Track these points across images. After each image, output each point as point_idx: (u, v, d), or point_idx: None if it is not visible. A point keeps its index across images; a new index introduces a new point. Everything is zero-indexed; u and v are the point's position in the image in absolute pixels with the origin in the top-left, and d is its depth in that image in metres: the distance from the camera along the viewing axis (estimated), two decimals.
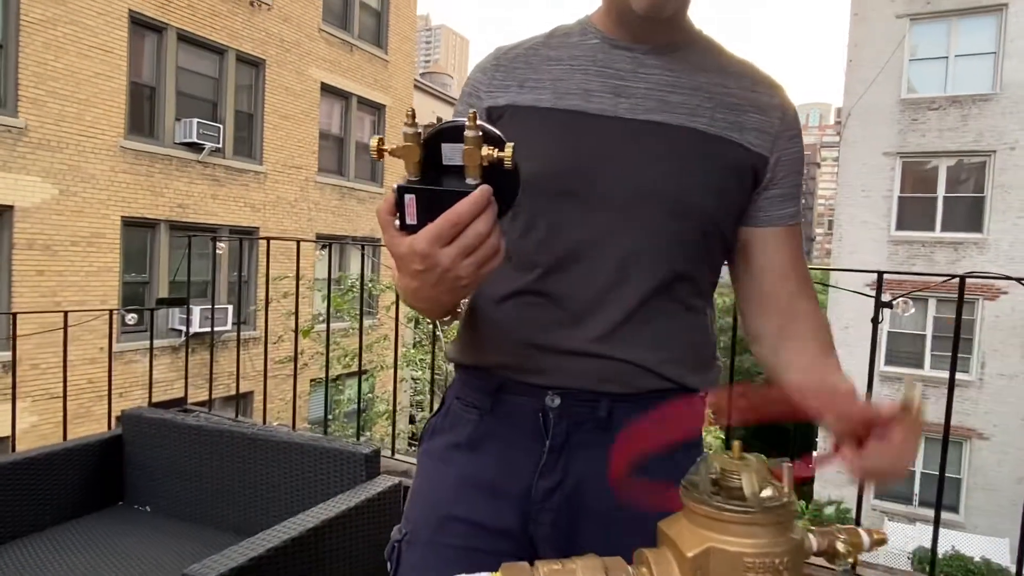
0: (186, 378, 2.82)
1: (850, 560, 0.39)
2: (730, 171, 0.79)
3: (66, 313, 2.33)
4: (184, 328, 9.25)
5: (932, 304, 12.17)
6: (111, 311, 2.95)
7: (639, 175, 0.77)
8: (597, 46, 0.82)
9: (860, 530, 0.41)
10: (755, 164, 0.80)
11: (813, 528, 0.39)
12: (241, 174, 10.36)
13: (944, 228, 12.10)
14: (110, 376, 2.77)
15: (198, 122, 9.33)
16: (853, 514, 9.97)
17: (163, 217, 9.24)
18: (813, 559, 0.40)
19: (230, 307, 9.78)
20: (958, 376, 11.74)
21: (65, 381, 2.56)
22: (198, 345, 8.62)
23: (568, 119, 0.78)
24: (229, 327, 9.35)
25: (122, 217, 8.72)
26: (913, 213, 12.36)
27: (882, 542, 0.42)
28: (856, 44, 12.77)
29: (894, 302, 1.58)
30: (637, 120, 0.77)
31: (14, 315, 2.43)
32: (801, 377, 0.78)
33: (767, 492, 0.37)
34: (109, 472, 2.23)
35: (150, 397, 2.76)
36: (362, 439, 2.75)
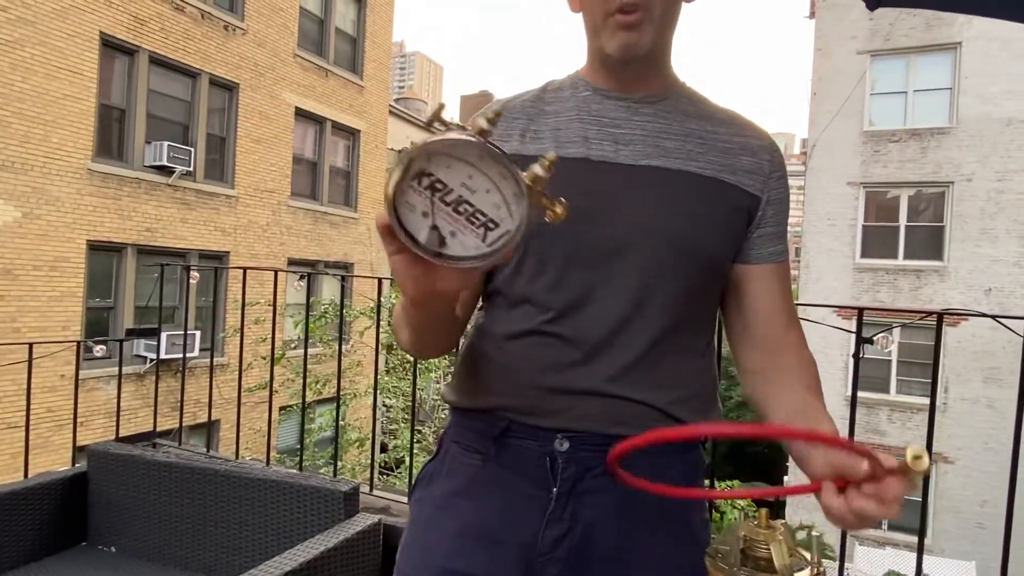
0: (155, 410, 2.73)
1: None
2: (729, 211, 0.82)
3: (31, 345, 2.24)
4: (148, 355, 9.01)
5: (897, 331, 12.46)
6: (78, 342, 2.85)
7: (645, 218, 0.79)
8: (590, 97, 0.84)
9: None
10: (749, 204, 0.83)
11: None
12: (212, 198, 10.21)
13: (907, 256, 12.45)
14: (75, 410, 2.67)
15: (169, 145, 9.20)
16: (825, 539, 10.04)
17: (130, 241, 9.05)
18: None
19: (198, 333, 9.57)
20: (923, 401, 11.98)
21: (28, 414, 2.46)
22: (164, 372, 8.40)
23: (573, 166, 0.79)
24: (197, 353, 9.13)
25: (88, 241, 8.51)
26: (877, 241, 12.71)
27: None
28: (820, 78, 13.21)
29: (875, 337, 1.61)
30: (638, 166, 0.80)
31: (30, 345, 2.33)
32: (788, 419, 0.78)
33: (796, 564, 0.36)
34: (72, 511, 2.14)
35: (117, 430, 2.66)
36: (339, 474, 2.67)
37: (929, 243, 12.30)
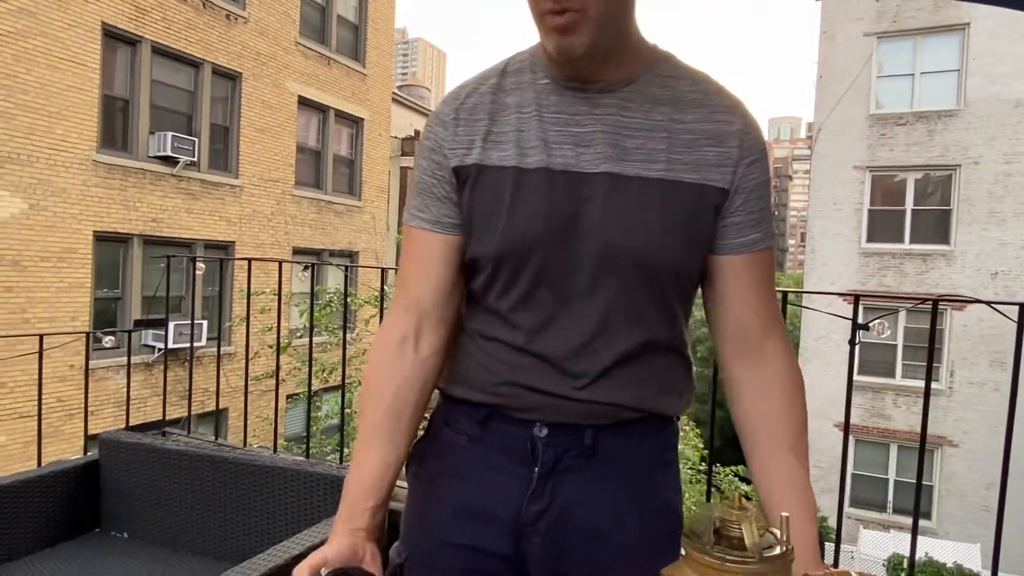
0: (164, 398, 2.78)
1: None
2: (691, 215, 0.79)
3: (41, 337, 2.28)
4: (156, 344, 9.09)
5: (902, 315, 12.44)
6: (88, 333, 2.90)
7: (606, 234, 0.78)
8: (550, 87, 0.82)
9: (852, 572, 0.43)
10: (716, 200, 0.80)
11: (809, 574, 0.41)
12: (216, 188, 10.24)
13: (913, 240, 12.40)
14: (86, 400, 2.72)
15: (172, 135, 9.22)
16: (830, 523, 10.12)
17: (136, 232, 9.10)
18: None
19: (204, 323, 9.64)
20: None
21: (40, 404, 2.51)
22: (172, 361, 8.47)
23: (534, 180, 0.79)
24: (204, 343, 9.21)
25: (94, 232, 8.56)
26: (883, 225, 12.66)
27: None
28: (826, 61, 13.10)
29: (870, 324, 1.63)
30: (599, 174, 0.78)
31: (41, 336, 2.37)
32: (764, 485, 0.78)
33: (766, 541, 0.39)
34: (85, 498, 2.18)
35: (127, 419, 2.71)
36: (344, 461, 2.72)
37: (936, 227, 12.24)
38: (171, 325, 9.08)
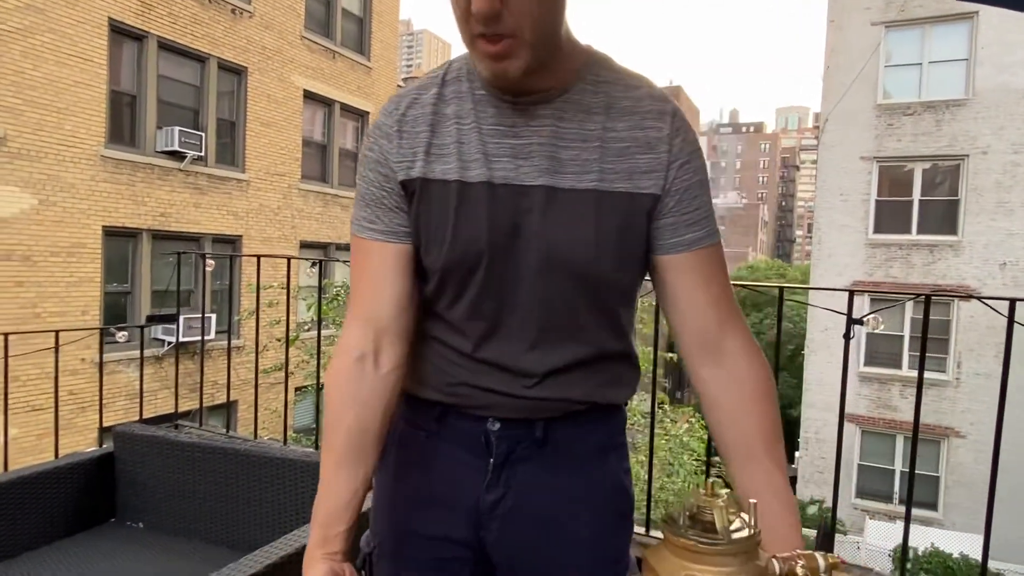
0: (176, 392, 2.83)
1: None
2: (625, 224, 0.80)
3: (57, 333, 2.35)
4: (167, 338, 9.18)
5: (909, 306, 12.40)
6: (101, 329, 2.96)
7: (545, 245, 0.80)
8: (486, 99, 0.82)
9: (817, 555, 0.47)
10: (648, 205, 0.81)
11: (776, 555, 0.45)
12: (224, 182, 10.31)
13: (920, 231, 12.34)
14: (101, 394, 2.78)
15: (180, 130, 9.28)
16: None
17: (145, 226, 9.18)
18: None
19: (213, 316, 9.73)
20: (936, 376, 11.93)
21: (57, 398, 2.57)
22: (181, 355, 8.57)
23: (476, 194, 0.80)
24: (213, 336, 9.30)
25: (103, 227, 8.65)
26: (890, 216, 12.61)
27: (836, 566, 0.47)
28: (833, 50, 13.01)
29: (865, 318, 1.65)
30: (536, 187, 0.79)
31: (6, 335, 2.43)
32: (742, 490, 0.79)
33: (736, 525, 0.42)
34: (101, 489, 2.24)
35: (141, 412, 2.77)
36: None
37: (943, 217, 12.18)
38: (181, 319, 9.20)
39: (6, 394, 2.44)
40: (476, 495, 0.87)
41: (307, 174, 11.87)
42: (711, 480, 0.44)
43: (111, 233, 8.79)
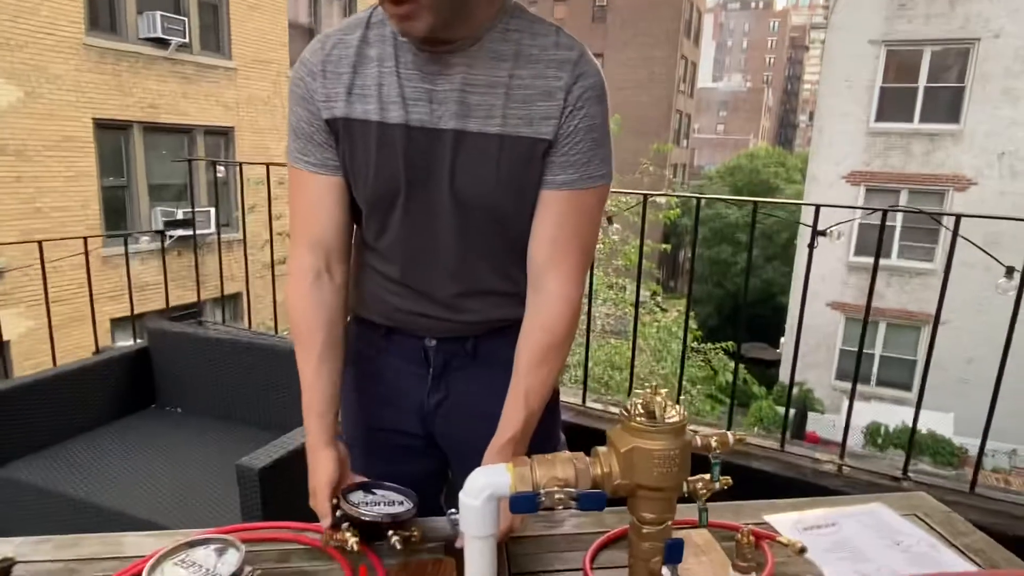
0: (198, 287, 3.02)
1: (719, 451, 0.63)
2: (524, 167, 0.88)
3: (85, 239, 2.50)
4: (169, 232, 9.28)
5: (904, 196, 12.47)
6: (125, 235, 3.12)
7: (455, 185, 0.88)
8: (406, 44, 0.87)
9: (728, 433, 0.65)
10: (543, 149, 0.87)
11: (697, 432, 0.63)
12: (211, 70, 9.99)
13: (923, 119, 12.16)
14: (131, 294, 2.97)
15: (161, 15, 8.89)
16: (815, 394, 10.70)
17: (135, 118, 9.02)
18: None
19: (212, 210, 9.79)
20: (923, 265, 12.17)
21: (92, 301, 2.76)
22: (184, 248, 8.72)
23: (395, 135, 0.87)
24: (212, 229, 9.41)
25: (93, 119, 8.51)
26: (893, 104, 12.37)
27: (740, 441, 0.65)
28: None
29: (828, 231, 1.80)
30: (449, 130, 0.86)
31: (40, 242, 2.58)
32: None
33: (670, 413, 0.60)
34: (140, 380, 2.49)
35: (167, 305, 2.98)
36: None
37: (947, 105, 11.95)
38: (179, 212, 9.26)
39: (47, 299, 2.63)
40: (421, 398, 1.02)
41: (295, 60, 11.46)
42: (655, 383, 0.61)
43: (102, 126, 8.66)
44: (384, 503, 0.90)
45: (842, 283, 12.73)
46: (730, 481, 0.65)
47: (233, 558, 0.81)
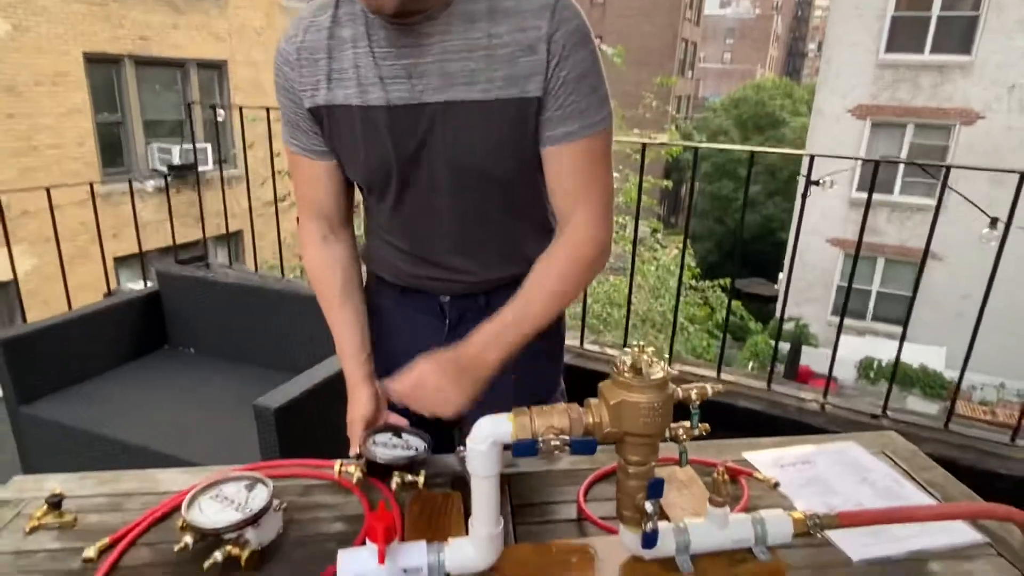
0: (203, 227, 3.06)
1: (697, 403, 0.70)
2: (515, 128, 0.86)
3: (91, 185, 2.53)
4: (164, 169, 9.22)
5: (910, 130, 12.28)
6: (130, 179, 3.15)
7: (449, 155, 0.88)
8: (377, 21, 0.85)
9: (707, 385, 0.72)
10: (534, 108, 0.85)
11: (679, 386, 0.70)
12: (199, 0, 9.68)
13: (934, 50, 11.83)
14: (138, 233, 3.02)
15: None
16: (811, 329, 10.84)
17: (126, 51, 8.80)
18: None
19: (208, 146, 9.68)
20: (925, 201, 12.10)
21: (102, 246, 2.81)
22: (182, 185, 8.68)
23: (377, 117, 0.87)
24: (210, 167, 9.34)
25: (84, 53, 8.30)
26: (904, 34, 12.00)
27: (719, 392, 0.73)
28: None
29: (821, 181, 1.83)
30: (434, 104, 0.85)
31: (48, 189, 2.61)
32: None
33: (655, 369, 0.67)
34: (152, 321, 2.57)
35: (175, 253, 3.03)
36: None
37: (960, 35, 11.60)
38: (175, 148, 9.17)
39: (59, 244, 2.68)
40: (438, 346, 1.07)
41: None
42: (642, 343, 0.68)
43: (93, 60, 8.46)
44: (402, 447, 0.99)
45: (843, 219, 12.70)
46: (708, 428, 0.73)
47: (262, 493, 0.90)
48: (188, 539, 0.83)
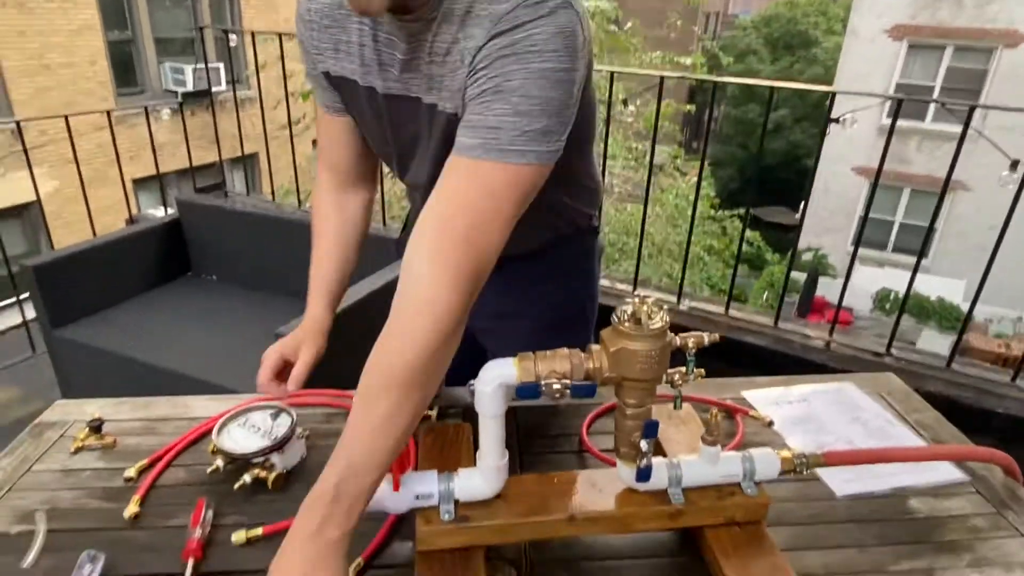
0: (219, 152, 3.07)
1: (693, 351, 0.74)
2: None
3: (109, 113, 2.53)
4: (177, 89, 9.11)
5: (948, 54, 11.70)
6: (147, 107, 3.15)
7: (437, 160, 0.82)
8: None
9: (703, 335, 0.75)
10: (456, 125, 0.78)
11: (677, 335, 0.73)
12: None
13: None
14: (156, 162, 3.04)
15: None
16: (830, 259, 10.73)
17: None
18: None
19: (220, 65, 9.51)
20: (956, 129, 11.70)
21: (121, 173, 2.84)
22: (197, 108, 8.59)
23: (377, 100, 0.87)
24: (224, 87, 9.21)
25: None
26: None
27: (714, 342, 0.76)
28: None
29: (842, 118, 1.79)
30: (424, 103, 0.83)
31: (66, 117, 2.62)
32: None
33: (653, 319, 0.70)
34: (175, 248, 2.63)
35: (193, 183, 3.06)
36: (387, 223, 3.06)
37: None
38: (188, 69, 9.02)
39: (80, 171, 2.71)
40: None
41: None
42: (643, 294, 0.71)
43: None
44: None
45: (870, 147, 12.28)
46: (703, 373, 0.77)
47: (286, 421, 0.97)
48: (219, 462, 0.91)
